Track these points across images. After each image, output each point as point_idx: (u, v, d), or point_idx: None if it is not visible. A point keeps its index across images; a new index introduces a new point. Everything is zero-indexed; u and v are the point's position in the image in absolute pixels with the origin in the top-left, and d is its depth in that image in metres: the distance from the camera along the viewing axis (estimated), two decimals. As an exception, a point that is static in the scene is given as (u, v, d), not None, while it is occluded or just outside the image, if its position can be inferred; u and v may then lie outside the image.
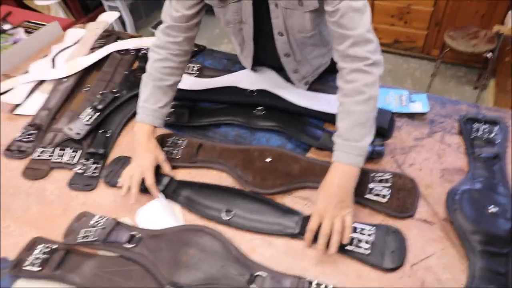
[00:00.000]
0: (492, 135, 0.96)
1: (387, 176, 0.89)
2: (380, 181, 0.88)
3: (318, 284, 0.73)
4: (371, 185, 0.87)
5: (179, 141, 1.06)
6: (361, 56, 0.81)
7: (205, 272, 0.76)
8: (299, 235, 0.82)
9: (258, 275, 0.75)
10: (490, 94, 2.40)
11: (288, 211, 0.86)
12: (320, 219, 0.78)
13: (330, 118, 1.05)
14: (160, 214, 0.91)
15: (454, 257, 0.76)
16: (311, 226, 0.78)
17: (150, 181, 0.92)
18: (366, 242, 0.78)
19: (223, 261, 0.77)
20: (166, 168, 0.98)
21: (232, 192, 0.92)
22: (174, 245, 0.81)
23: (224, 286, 0.74)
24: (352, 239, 0.79)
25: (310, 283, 0.73)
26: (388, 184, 0.87)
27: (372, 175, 0.89)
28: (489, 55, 2.22)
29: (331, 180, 0.81)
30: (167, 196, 0.94)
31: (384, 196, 0.85)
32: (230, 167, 0.96)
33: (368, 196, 0.86)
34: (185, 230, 0.84)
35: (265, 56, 1.12)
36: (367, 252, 0.77)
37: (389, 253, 0.77)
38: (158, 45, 1.01)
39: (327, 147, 0.97)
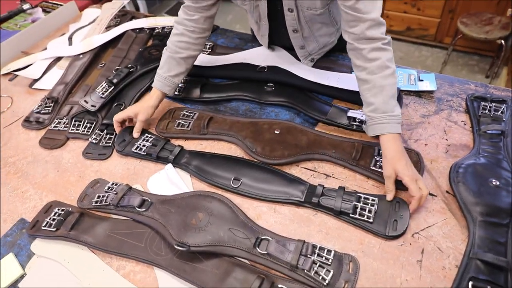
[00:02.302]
0: (499, 112, 0.96)
1: (392, 149, 0.90)
2: (386, 154, 0.90)
3: (322, 248, 0.76)
4: (376, 158, 0.89)
5: (190, 114, 1.10)
6: (378, 37, 0.85)
7: (213, 235, 0.79)
8: (305, 203, 0.84)
9: (263, 238, 0.78)
10: (502, 82, 2.37)
11: (294, 181, 0.88)
12: (416, 183, 0.79)
13: (339, 95, 1.08)
14: (171, 182, 0.94)
15: (455, 227, 0.78)
16: (421, 191, 0.78)
17: (116, 117, 1.06)
18: (369, 211, 0.80)
19: (231, 225, 0.81)
20: (136, 127, 1.06)
21: (240, 162, 0.95)
22: (184, 210, 0.85)
23: (231, 248, 0.77)
24: (355, 207, 0.81)
25: (314, 247, 0.76)
26: (393, 157, 0.89)
27: (377, 148, 0.91)
28: (503, 42, 2.19)
29: (396, 149, 0.83)
30: (178, 165, 0.97)
31: (388, 168, 0.87)
32: (239, 138, 0.99)
33: (373, 167, 0.88)
34: (194, 196, 0.87)
35: (279, 33, 1.14)
36: (370, 220, 0.79)
37: (392, 222, 0.79)
38: (177, 21, 1.07)
39: (335, 122, 1.00)
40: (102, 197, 0.91)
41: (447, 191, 0.84)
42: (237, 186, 0.89)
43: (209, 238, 0.78)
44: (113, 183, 0.95)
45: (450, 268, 0.72)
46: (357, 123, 0.98)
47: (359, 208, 0.81)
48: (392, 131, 0.84)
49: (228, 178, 0.91)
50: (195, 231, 0.80)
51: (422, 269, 0.73)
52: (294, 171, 0.92)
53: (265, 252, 0.75)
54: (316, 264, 0.73)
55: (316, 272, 0.72)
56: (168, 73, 1.06)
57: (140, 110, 1.06)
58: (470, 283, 0.68)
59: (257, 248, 0.76)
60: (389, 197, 0.82)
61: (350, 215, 0.81)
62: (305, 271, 0.72)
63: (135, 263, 0.81)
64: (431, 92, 1.08)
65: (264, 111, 1.10)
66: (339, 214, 0.82)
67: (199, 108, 1.14)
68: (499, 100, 1.00)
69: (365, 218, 0.80)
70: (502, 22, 2.20)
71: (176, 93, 1.18)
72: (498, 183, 0.81)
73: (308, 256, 0.74)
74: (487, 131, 0.93)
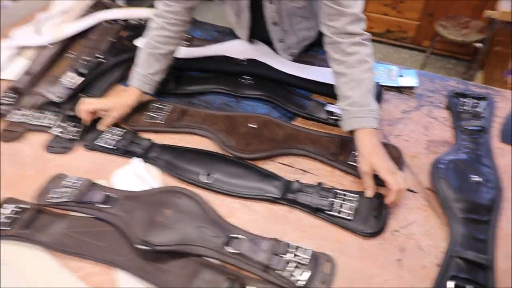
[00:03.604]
0: (479, 109, 0.95)
1: (372, 144, 0.87)
2: (365, 149, 0.86)
3: (297, 247, 0.71)
4: (355, 152, 0.85)
5: (163, 107, 1.04)
6: (358, 32, 0.84)
7: (180, 233, 0.73)
8: (281, 200, 0.80)
9: (235, 237, 0.73)
10: (479, 86, 2.41)
11: (269, 176, 0.84)
12: (393, 175, 0.76)
13: (319, 89, 1.05)
14: (138, 177, 0.88)
15: (436, 225, 0.75)
16: (398, 184, 0.74)
17: (86, 106, 0.98)
18: (348, 208, 0.77)
19: (200, 222, 0.75)
20: (104, 121, 0.99)
21: (213, 157, 0.90)
22: (150, 206, 0.79)
23: (199, 247, 0.71)
24: (332, 204, 0.77)
25: (288, 246, 0.71)
26: (373, 153, 0.85)
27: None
28: (479, 45, 2.24)
29: (372, 144, 0.80)
30: (147, 159, 0.91)
31: (367, 163, 0.83)
32: (213, 132, 0.94)
33: (351, 162, 0.84)
34: (162, 192, 0.81)
35: (259, 26, 1.10)
36: (349, 218, 0.75)
37: (371, 218, 0.75)
38: (156, 14, 1.01)
39: (313, 116, 0.96)
40: (63, 193, 0.84)
41: (428, 188, 0.81)
42: (208, 181, 0.84)
43: (176, 236, 0.73)
44: (75, 178, 0.88)
45: (431, 267, 0.69)
46: (336, 117, 0.94)
47: (337, 205, 0.77)
48: (369, 126, 0.81)
49: (199, 173, 0.86)
50: (161, 229, 0.74)
51: (402, 268, 0.69)
52: (270, 166, 0.88)
53: (236, 251, 0.70)
54: (291, 264, 0.68)
55: (290, 273, 0.67)
56: (147, 70, 1.01)
57: (115, 106, 0.99)
58: (451, 282, 0.65)
59: (227, 247, 0.71)
60: (369, 193, 0.78)
61: (328, 212, 0.76)
62: (279, 271, 0.67)
63: (94, 264, 0.74)
64: (411, 88, 1.06)
65: (240, 105, 1.05)
66: (316, 211, 0.77)
67: (172, 100, 1.08)
68: (479, 97, 0.99)
69: (343, 215, 0.76)
70: (478, 26, 2.24)
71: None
72: (478, 179, 0.79)
73: (282, 255, 0.69)
74: (468, 127, 0.91)
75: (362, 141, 0.80)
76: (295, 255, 0.70)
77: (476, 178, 0.79)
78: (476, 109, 0.95)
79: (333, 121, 0.94)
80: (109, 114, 0.99)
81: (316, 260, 0.70)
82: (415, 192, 0.81)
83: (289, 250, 0.70)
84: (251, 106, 1.04)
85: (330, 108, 0.96)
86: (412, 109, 1.00)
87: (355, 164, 0.83)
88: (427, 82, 1.08)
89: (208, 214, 0.76)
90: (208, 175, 0.85)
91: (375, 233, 0.74)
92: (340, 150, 0.87)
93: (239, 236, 0.73)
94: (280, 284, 0.67)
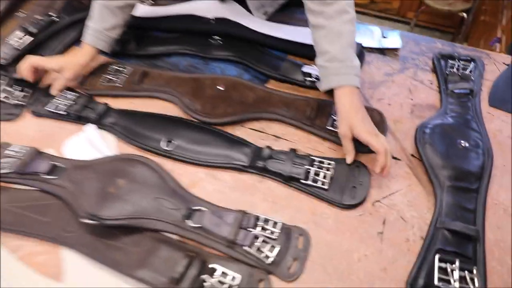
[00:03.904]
0: (467, 71, 0.88)
1: (352, 108, 0.79)
2: (344, 112, 0.78)
3: (266, 220, 0.63)
4: (334, 117, 0.77)
5: (122, 69, 0.93)
6: None
7: (134, 205, 0.64)
8: (250, 168, 0.71)
9: (196, 209, 0.64)
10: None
11: (238, 142, 0.75)
12: (376, 137, 0.68)
13: (295, 49, 0.96)
14: (91, 145, 0.78)
15: (421, 194, 0.68)
16: (383, 145, 0.67)
17: (31, 60, 0.87)
18: (324, 176, 0.69)
19: (157, 193, 0.66)
20: (56, 83, 0.88)
21: (176, 122, 0.80)
22: (102, 176, 0.69)
23: (156, 221, 0.63)
24: (307, 172, 0.69)
25: (257, 218, 0.63)
26: (353, 116, 0.77)
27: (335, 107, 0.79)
28: (465, 15, 2.17)
29: (352, 103, 0.71)
30: (103, 126, 0.81)
31: (347, 128, 0.75)
32: (177, 95, 0.84)
33: (330, 127, 0.76)
34: (116, 160, 0.72)
35: None
36: (325, 187, 0.68)
37: (350, 188, 0.68)
38: None
39: (288, 78, 0.87)
40: (4, 163, 0.74)
41: (412, 155, 0.74)
42: (169, 148, 0.75)
43: (129, 209, 0.64)
44: (19, 147, 0.77)
45: (414, 240, 0.62)
46: (313, 79, 0.85)
47: (312, 173, 0.69)
48: (350, 83, 0.72)
49: (159, 140, 0.76)
50: (113, 201, 0.65)
51: (383, 242, 0.62)
52: (239, 131, 0.79)
53: (198, 225, 0.62)
54: (259, 239, 0.61)
55: (258, 249, 0.60)
56: (101, 25, 0.88)
57: (67, 65, 0.87)
58: (437, 256, 0.58)
59: (188, 220, 0.62)
60: (349, 159, 0.71)
61: (302, 181, 0.68)
62: (245, 247, 0.59)
63: (37, 242, 0.64)
64: (395, 49, 0.97)
65: (209, 67, 0.95)
66: (288, 180, 0.69)
67: (133, 62, 0.97)
68: (467, 59, 0.91)
69: (319, 184, 0.68)
70: (464, -4, 2.18)
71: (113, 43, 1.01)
72: (466, 144, 0.72)
73: (250, 229, 0.61)
74: (455, 90, 0.84)
75: (341, 101, 0.72)
76: (265, 229, 0.62)
77: (464, 143, 0.72)
78: (464, 72, 0.87)
79: (310, 83, 0.85)
80: (60, 76, 0.88)
81: (288, 234, 0.62)
82: (398, 160, 0.74)
83: (257, 223, 0.63)
84: (221, 68, 0.94)
85: (306, 69, 0.87)
86: (396, 72, 0.92)
87: (333, 129, 0.75)
88: (412, 44, 1.00)
89: (167, 184, 0.68)
90: (169, 141, 0.76)
91: (354, 204, 0.66)
92: (317, 113, 0.79)
93: (202, 208, 0.64)
94: (247, 261, 0.59)
